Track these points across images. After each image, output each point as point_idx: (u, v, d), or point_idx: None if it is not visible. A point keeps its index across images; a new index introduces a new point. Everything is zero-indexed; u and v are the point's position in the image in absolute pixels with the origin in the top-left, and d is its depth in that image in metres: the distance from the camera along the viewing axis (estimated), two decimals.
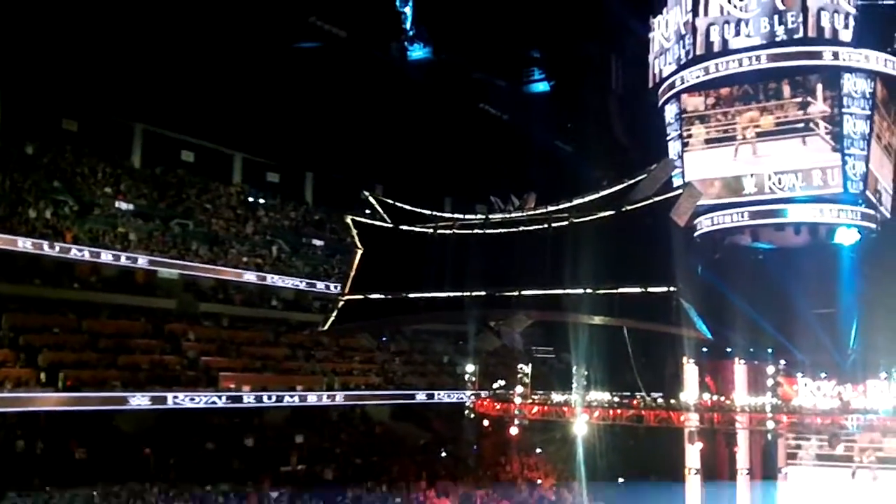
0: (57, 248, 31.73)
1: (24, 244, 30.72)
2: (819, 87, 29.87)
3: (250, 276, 38.75)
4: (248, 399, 32.75)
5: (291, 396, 34.20)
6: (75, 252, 32.34)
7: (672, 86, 32.44)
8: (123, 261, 33.91)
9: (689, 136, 31.94)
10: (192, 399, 31.12)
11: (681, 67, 31.94)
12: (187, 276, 37.00)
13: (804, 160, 30.19)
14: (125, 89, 35.54)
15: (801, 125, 30.09)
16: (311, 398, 34.84)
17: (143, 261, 34.50)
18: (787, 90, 30.42)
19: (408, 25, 36.73)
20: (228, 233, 40.89)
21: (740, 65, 30.54)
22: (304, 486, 30.40)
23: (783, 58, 30.11)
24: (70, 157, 37.48)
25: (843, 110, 29.83)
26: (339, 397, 36.23)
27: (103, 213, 35.81)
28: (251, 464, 31.14)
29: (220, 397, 32.07)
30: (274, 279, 39.32)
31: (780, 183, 30.40)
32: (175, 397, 30.73)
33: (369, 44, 37.95)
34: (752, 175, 30.70)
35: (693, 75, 31.52)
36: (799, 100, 30.10)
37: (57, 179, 35.72)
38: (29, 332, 30.58)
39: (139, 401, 29.74)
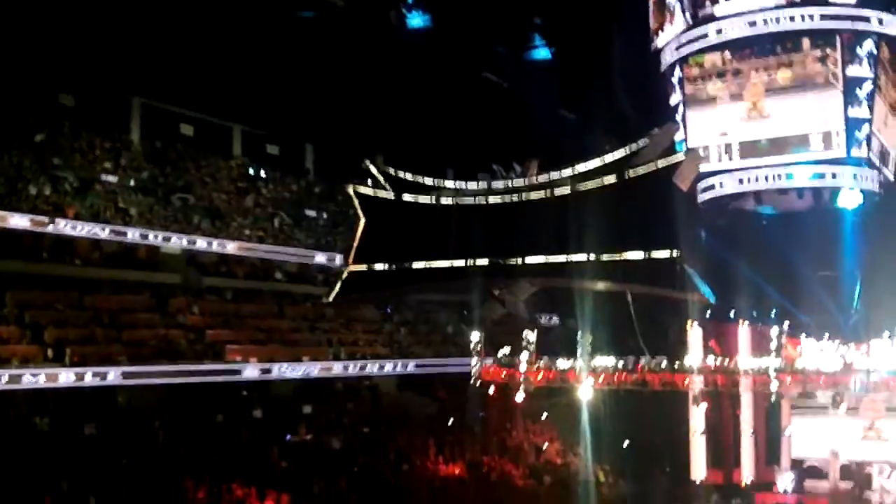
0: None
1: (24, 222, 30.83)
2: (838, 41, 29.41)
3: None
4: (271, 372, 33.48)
5: (298, 369, 34.61)
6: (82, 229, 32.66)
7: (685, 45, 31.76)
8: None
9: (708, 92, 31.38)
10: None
11: (690, 28, 31.54)
12: (190, 250, 36.96)
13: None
14: (122, 62, 35.19)
15: (821, 80, 29.63)
16: (318, 369, 35.11)
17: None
18: (806, 43, 29.93)
19: None
20: (230, 206, 40.83)
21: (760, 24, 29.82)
22: (313, 456, 30.63)
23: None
24: (68, 133, 37.29)
25: (847, 72, 29.64)
26: (350, 367, 36.94)
27: (104, 189, 35.72)
28: (260, 435, 31.35)
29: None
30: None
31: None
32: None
33: (367, 12, 37.59)
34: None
35: (706, 34, 30.85)
36: (818, 53, 29.68)
37: (55, 156, 35.55)
38: (33, 309, 30.63)
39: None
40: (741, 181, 31.35)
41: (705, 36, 31.16)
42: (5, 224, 30.39)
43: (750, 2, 30.41)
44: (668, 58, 32.82)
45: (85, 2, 32.14)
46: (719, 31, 30.74)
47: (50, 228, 31.47)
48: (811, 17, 29.72)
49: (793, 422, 27.98)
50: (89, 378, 28.46)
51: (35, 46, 33.05)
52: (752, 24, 30.11)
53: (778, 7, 29.90)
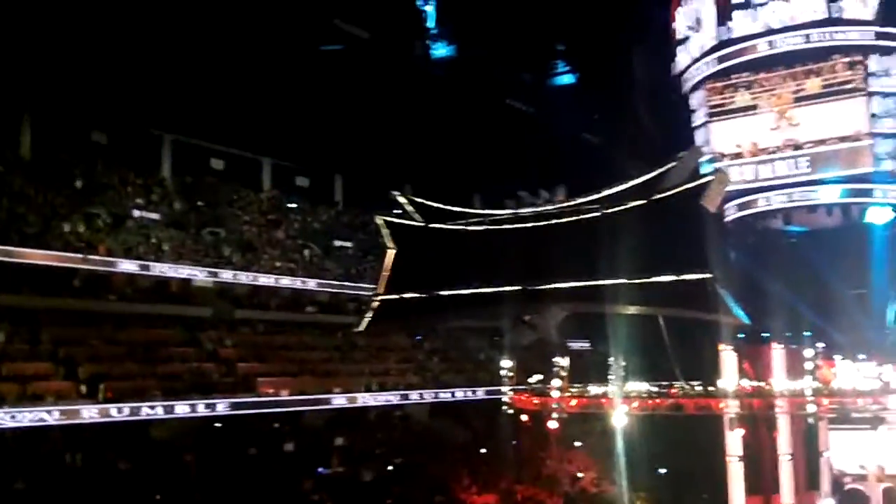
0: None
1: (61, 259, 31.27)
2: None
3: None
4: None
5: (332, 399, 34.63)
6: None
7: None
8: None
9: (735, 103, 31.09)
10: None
11: (718, 46, 31.36)
12: (221, 283, 37.22)
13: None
14: (153, 100, 35.88)
15: (850, 86, 29.30)
16: (352, 399, 35.07)
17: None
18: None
19: (430, 23, 36.72)
20: (261, 239, 41.18)
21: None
22: (346, 488, 30.51)
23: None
24: (101, 170, 37.91)
25: (870, 89, 29.39)
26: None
27: (136, 224, 36.20)
28: (292, 468, 31.27)
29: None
30: None
31: None
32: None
33: (392, 44, 38.03)
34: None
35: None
36: (847, 60, 29.39)
37: (89, 193, 36.10)
38: (68, 345, 30.95)
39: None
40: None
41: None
42: (39, 261, 30.84)
43: (775, 17, 30.22)
44: (700, 71, 32.44)
45: (117, 43, 32.79)
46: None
47: (83, 265, 31.87)
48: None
49: (833, 436, 27.41)
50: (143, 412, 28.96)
51: (69, 86, 33.81)
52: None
53: (815, 25, 29.59)
